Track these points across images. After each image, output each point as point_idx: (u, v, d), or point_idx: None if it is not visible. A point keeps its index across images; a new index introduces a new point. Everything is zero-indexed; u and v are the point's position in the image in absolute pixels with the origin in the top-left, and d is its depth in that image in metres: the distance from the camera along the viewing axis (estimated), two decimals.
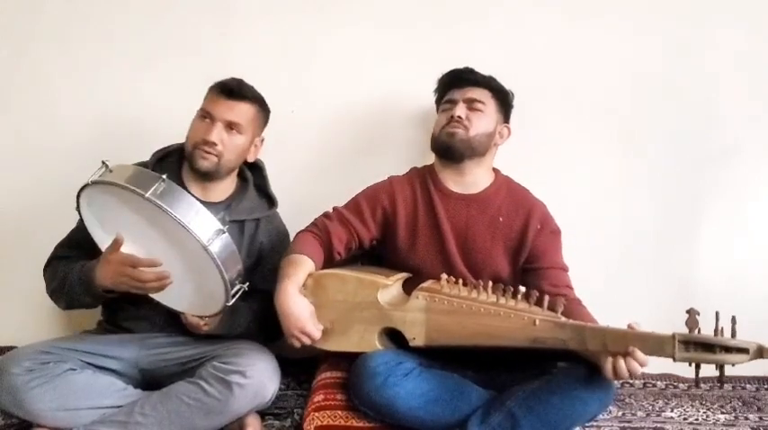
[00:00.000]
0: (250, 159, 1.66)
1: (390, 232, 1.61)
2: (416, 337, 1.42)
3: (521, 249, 1.57)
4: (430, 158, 1.68)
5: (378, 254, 1.68)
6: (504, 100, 1.65)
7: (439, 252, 1.58)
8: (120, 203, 1.32)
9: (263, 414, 1.58)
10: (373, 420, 1.41)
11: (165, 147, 1.65)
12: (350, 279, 1.47)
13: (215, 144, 1.54)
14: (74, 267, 1.49)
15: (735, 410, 1.74)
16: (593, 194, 1.93)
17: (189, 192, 1.35)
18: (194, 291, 1.41)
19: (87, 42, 1.94)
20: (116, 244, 1.36)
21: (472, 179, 1.61)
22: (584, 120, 1.92)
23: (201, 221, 1.28)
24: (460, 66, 1.66)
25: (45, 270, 1.59)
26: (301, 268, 1.45)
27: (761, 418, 1.70)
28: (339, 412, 1.44)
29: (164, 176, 1.27)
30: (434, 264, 1.56)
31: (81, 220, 1.42)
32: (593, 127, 1.92)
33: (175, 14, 1.93)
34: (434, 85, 1.70)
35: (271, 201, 1.71)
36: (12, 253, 1.97)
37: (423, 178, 1.64)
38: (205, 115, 1.57)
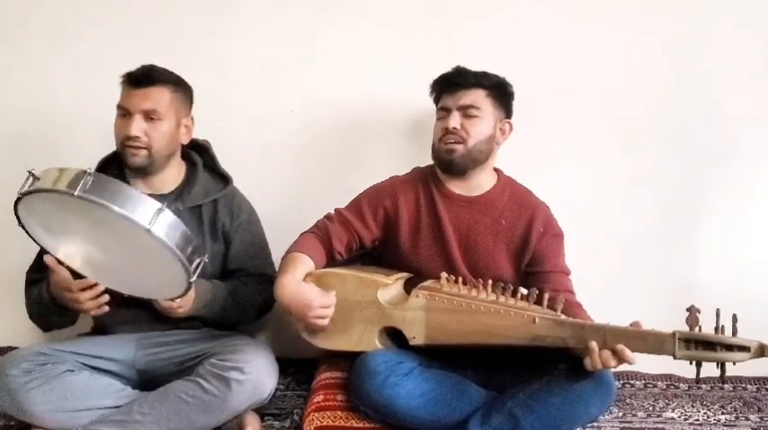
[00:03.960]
0: (183, 142, 1.60)
1: (393, 233, 1.59)
2: (416, 336, 1.42)
3: (523, 252, 1.56)
4: (430, 158, 1.66)
5: (378, 255, 1.67)
6: (500, 94, 1.58)
7: (441, 254, 1.57)
8: (57, 207, 1.25)
9: (262, 414, 1.58)
10: (373, 420, 1.41)
11: (105, 155, 1.61)
12: (350, 278, 1.47)
13: (138, 137, 1.49)
14: (42, 287, 1.46)
15: (735, 411, 1.74)
16: (593, 194, 1.92)
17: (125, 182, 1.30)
18: (157, 276, 1.36)
19: (86, 42, 1.94)
20: (52, 267, 1.35)
21: (475, 182, 1.59)
22: (585, 119, 1.91)
23: (138, 205, 1.19)
24: (461, 65, 1.61)
25: (26, 299, 1.56)
26: (299, 265, 1.45)
27: (761, 419, 1.70)
28: (339, 412, 1.43)
29: (88, 169, 1.19)
30: (437, 266, 1.53)
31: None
32: (593, 127, 1.91)
33: (175, 14, 1.93)
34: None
35: (225, 179, 1.66)
36: (11, 252, 1.97)
37: (425, 179, 1.62)
38: (122, 111, 1.52)
